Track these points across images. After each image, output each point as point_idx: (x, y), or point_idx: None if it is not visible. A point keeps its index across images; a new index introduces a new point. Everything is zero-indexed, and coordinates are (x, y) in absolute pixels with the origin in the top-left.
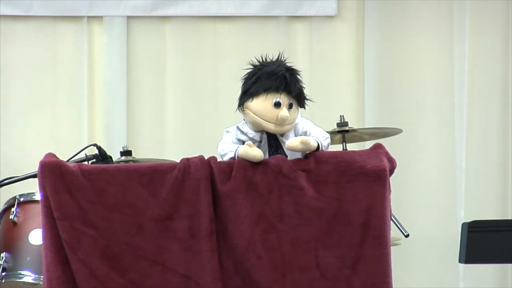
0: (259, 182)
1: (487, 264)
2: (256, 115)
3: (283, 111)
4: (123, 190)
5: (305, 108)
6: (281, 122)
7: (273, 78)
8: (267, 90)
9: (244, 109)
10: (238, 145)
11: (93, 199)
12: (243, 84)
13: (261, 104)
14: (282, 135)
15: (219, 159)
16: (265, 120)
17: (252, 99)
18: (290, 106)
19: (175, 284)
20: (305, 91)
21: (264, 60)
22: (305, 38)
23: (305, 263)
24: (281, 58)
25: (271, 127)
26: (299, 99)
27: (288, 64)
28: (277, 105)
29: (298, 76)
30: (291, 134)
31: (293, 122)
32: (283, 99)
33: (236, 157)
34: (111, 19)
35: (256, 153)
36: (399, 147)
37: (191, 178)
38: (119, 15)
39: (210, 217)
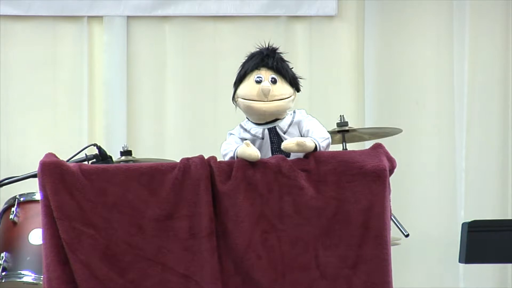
0: (259, 182)
1: (487, 264)
2: (245, 98)
3: (264, 83)
4: (123, 190)
5: (299, 90)
6: (264, 94)
7: (253, 59)
8: (247, 71)
9: (236, 99)
10: (238, 145)
11: (93, 199)
12: None
13: (246, 86)
14: (284, 132)
15: (221, 159)
16: (252, 100)
17: (240, 86)
18: (274, 81)
19: (175, 284)
20: (298, 75)
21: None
22: (305, 38)
23: (305, 263)
24: (268, 44)
25: (259, 105)
26: (282, 73)
27: (273, 46)
28: (259, 81)
29: (278, 53)
30: (295, 131)
31: (283, 99)
32: (264, 74)
33: (236, 156)
34: (111, 19)
35: (251, 152)
36: (399, 147)
37: (191, 178)
38: (119, 15)
39: (210, 217)
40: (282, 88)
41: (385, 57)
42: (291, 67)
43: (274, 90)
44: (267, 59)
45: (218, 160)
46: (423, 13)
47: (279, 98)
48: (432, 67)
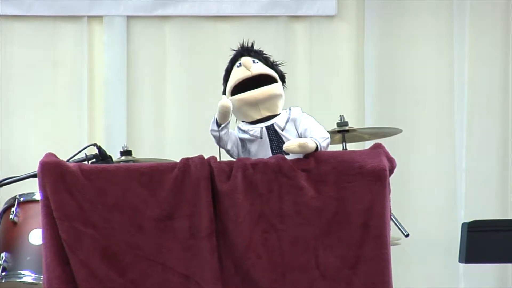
0: (259, 181)
1: (487, 264)
2: (232, 90)
3: (244, 58)
4: (123, 190)
5: (285, 82)
6: (245, 66)
7: (234, 55)
8: (229, 69)
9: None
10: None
11: (93, 199)
12: None
13: (231, 78)
14: (282, 129)
15: (220, 159)
16: (236, 85)
17: (226, 84)
18: (254, 62)
19: (175, 284)
20: (287, 77)
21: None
22: (305, 38)
23: (305, 263)
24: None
25: (250, 94)
26: (263, 58)
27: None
28: (240, 65)
29: (258, 50)
30: (292, 128)
31: (268, 75)
32: (245, 58)
33: (215, 120)
34: (111, 19)
35: (222, 101)
36: (399, 147)
37: (191, 178)
38: (119, 15)
39: (210, 216)
40: (264, 67)
41: (385, 57)
42: (273, 60)
43: (256, 66)
44: (244, 49)
45: (218, 160)
46: (423, 13)
47: (263, 72)
48: (432, 67)
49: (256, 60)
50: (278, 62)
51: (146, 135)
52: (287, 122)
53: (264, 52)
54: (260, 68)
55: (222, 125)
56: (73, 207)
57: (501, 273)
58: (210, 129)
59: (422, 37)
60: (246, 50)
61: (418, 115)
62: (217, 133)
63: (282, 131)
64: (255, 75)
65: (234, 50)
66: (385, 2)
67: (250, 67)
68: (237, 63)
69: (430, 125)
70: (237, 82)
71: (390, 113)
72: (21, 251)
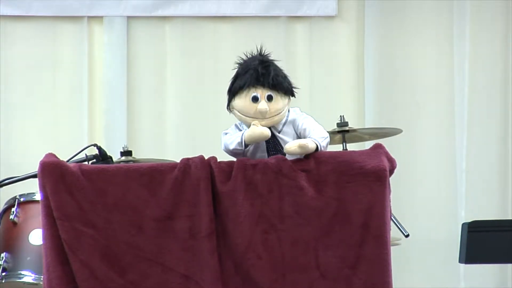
0: (259, 182)
1: (487, 264)
2: (241, 113)
3: (261, 104)
4: (123, 190)
5: (294, 96)
6: (261, 115)
7: (248, 74)
8: (243, 86)
9: (231, 109)
10: (243, 131)
11: (93, 199)
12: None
13: (242, 102)
14: (279, 131)
15: (220, 159)
16: (248, 117)
17: (235, 98)
18: (269, 98)
19: (175, 284)
20: (292, 80)
21: (247, 56)
22: (305, 38)
23: (305, 263)
24: (261, 51)
25: (255, 122)
26: (278, 89)
27: (267, 57)
28: (255, 99)
29: (272, 67)
30: (290, 129)
31: (279, 114)
32: (260, 92)
33: (243, 141)
34: (111, 19)
35: (263, 130)
36: (399, 147)
37: (191, 178)
38: (119, 15)
39: (210, 217)
40: (277, 103)
41: (385, 57)
42: (285, 75)
43: (271, 107)
44: (263, 78)
45: (219, 160)
46: (423, 13)
47: (275, 114)
48: (432, 67)
49: (271, 94)
50: (293, 85)
51: (146, 135)
52: (284, 124)
53: (281, 70)
54: (273, 111)
55: (249, 146)
56: (73, 207)
57: (501, 273)
58: (231, 148)
59: (422, 37)
60: (264, 84)
61: (418, 115)
62: (241, 151)
63: (279, 133)
64: (270, 122)
65: (250, 54)
66: (385, 2)
67: (264, 115)
68: (252, 95)
69: (430, 125)
70: (246, 115)
71: (390, 113)
72: (21, 251)
